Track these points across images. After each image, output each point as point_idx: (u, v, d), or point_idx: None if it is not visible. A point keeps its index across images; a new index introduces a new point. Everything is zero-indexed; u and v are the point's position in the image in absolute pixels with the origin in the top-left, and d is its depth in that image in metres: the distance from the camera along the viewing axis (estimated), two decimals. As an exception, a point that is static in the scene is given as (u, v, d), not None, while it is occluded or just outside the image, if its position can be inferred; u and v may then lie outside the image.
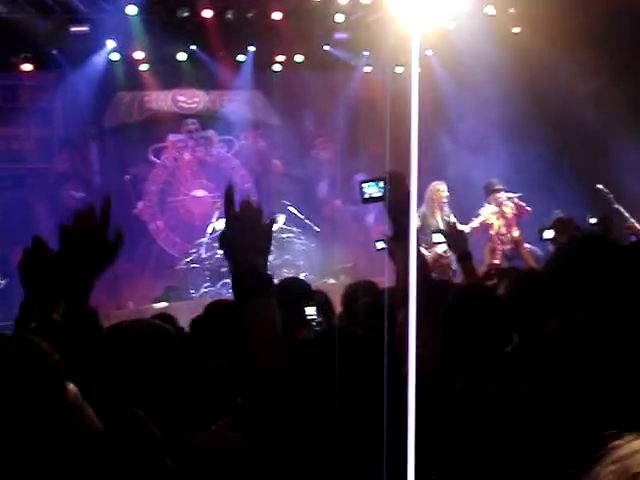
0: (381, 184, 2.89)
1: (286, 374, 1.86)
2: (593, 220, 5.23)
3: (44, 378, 1.09)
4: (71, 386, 1.15)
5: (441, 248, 8.67)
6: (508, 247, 9.13)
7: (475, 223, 9.21)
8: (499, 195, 9.32)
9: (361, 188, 2.93)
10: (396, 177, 2.85)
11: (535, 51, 11.33)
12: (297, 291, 4.09)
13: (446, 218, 9.22)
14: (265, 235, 1.96)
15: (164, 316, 4.17)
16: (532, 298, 2.87)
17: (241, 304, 1.90)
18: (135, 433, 1.20)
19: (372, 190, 2.93)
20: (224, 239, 1.97)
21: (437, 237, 4.44)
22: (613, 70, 10.69)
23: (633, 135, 10.25)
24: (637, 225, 7.77)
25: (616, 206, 8.40)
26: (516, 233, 8.98)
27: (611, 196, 8.72)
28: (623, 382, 1.77)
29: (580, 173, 10.82)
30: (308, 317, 3.80)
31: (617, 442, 0.97)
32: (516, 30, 12.69)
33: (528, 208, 9.20)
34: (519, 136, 11.69)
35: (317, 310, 3.84)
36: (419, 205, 9.30)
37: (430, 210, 9.26)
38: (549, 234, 5.40)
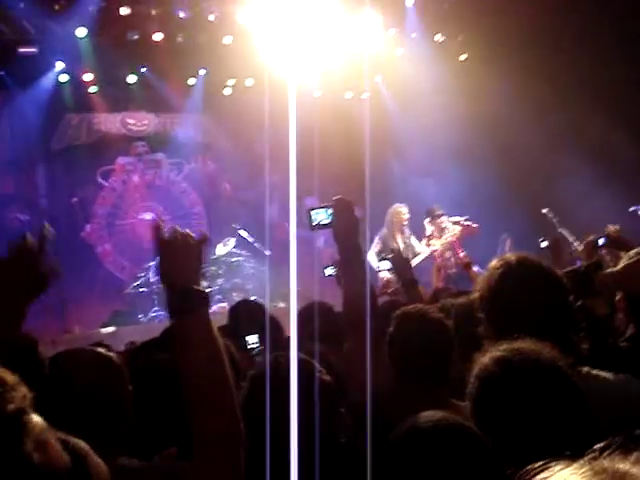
0: (329, 211, 2.93)
1: (227, 396, 1.84)
2: (544, 243, 5.30)
3: (5, 413, 1.07)
4: (36, 419, 1.13)
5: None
6: (454, 270, 9.21)
7: (427, 249, 9.26)
8: (440, 220, 9.41)
9: (309, 215, 2.97)
10: (343, 204, 2.88)
11: (481, 77, 11.54)
12: (248, 318, 4.08)
13: (407, 241, 9.26)
14: (195, 255, 1.95)
15: (101, 344, 4.11)
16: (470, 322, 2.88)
17: (174, 323, 1.90)
18: (76, 466, 1.18)
19: (320, 217, 3.02)
20: (158, 267, 1.98)
21: (384, 264, 4.45)
22: (556, 95, 10.92)
23: (576, 159, 10.49)
24: (579, 249, 7.87)
25: (560, 230, 8.54)
26: (462, 254, 9.04)
27: (556, 220, 8.86)
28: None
29: (528, 197, 11.01)
30: (250, 346, 3.80)
31: (544, 475, 0.94)
32: (463, 57, 12.94)
33: (475, 225, 9.27)
34: (466, 160, 11.86)
35: (259, 338, 3.84)
36: (380, 228, 9.35)
37: (391, 232, 9.26)
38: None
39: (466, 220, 9.36)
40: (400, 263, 4.48)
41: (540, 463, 0.95)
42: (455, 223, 9.34)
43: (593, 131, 10.43)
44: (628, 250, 4.30)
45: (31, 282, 2.15)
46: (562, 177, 10.79)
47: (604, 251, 5.16)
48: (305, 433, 1.92)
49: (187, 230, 1.97)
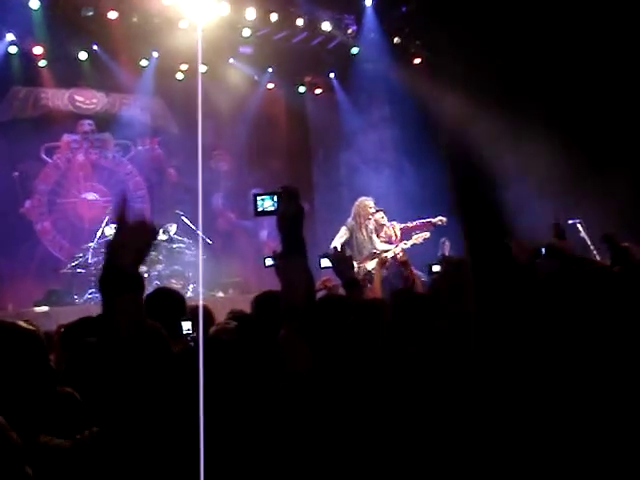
0: (275, 198, 2.93)
1: (151, 375, 1.85)
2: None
3: None
4: None
5: (370, 265, 8.82)
6: (392, 270, 9.27)
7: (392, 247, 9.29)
8: (380, 216, 9.49)
9: (255, 200, 2.96)
10: (290, 192, 2.89)
11: (432, 81, 11.72)
12: (171, 303, 4.08)
13: (371, 234, 9.28)
14: (147, 241, 1.95)
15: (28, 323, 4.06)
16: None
17: (103, 300, 1.89)
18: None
19: (267, 204, 2.97)
20: (109, 244, 1.96)
21: (324, 262, 4.36)
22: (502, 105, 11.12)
23: (519, 163, 10.70)
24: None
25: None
26: (400, 254, 9.08)
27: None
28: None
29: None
30: (184, 332, 3.81)
31: None
32: (417, 61, 13.11)
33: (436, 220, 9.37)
34: (413, 158, 12.03)
35: (192, 325, 3.86)
36: (346, 219, 9.39)
37: (357, 225, 9.27)
38: (436, 268, 5.51)
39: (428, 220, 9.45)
40: (341, 262, 4.42)
41: None
42: (426, 224, 9.41)
43: (528, 145, 10.64)
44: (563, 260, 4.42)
45: None
46: (502, 183, 10.97)
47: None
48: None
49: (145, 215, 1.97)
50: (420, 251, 9.02)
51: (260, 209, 2.96)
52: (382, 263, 8.81)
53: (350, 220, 9.28)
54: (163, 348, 2.38)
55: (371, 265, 8.90)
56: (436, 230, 9.90)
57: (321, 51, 13.33)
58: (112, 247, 1.93)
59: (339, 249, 4.22)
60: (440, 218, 9.35)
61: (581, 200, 9.37)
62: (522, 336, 2.04)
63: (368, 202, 9.43)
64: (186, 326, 3.90)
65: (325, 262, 4.35)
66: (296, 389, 2.26)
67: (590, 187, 10.26)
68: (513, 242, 5.58)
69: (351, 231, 9.20)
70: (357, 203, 9.43)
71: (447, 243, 11.04)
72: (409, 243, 9.02)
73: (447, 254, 10.57)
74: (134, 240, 1.92)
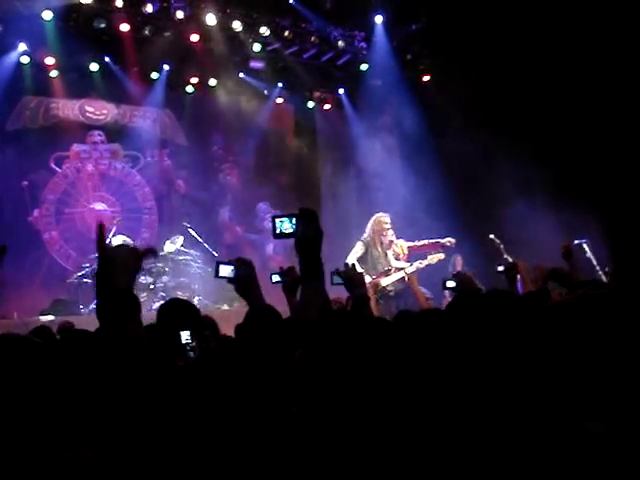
0: (293, 221, 2.93)
1: (152, 394, 1.86)
2: (500, 268, 5.37)
3: None
4: None
5: (385, 281, 8.85)
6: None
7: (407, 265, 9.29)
8: (390, 234, 9.49)
9: (274, 223, 2.97)
10: (308, 215, 2.87)
11: (439, 98, 11.81)
12: (186, 314, 4.07)
13: (386, 250, 9.28)
14: (133, 267, 1.96)
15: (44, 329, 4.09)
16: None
17: (102, 324, 1.91)
18: None
19: (285, 226, 2.98)
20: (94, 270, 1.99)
21: (336, 279, 4.25)
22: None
23: (521, 182, 10.78)
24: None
25: (506, 256, 8.70)
26: (409, 270, 9.07)
27: (502, 246, 9.04)
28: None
29: (477, 222, 11.20)
30: (184, 342, 3.82)
31: None
32: (426, 79, 13.20)
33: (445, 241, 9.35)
34: (420, 173, 12.11)
35: (191, 335, 3.85)
36: (353, 232, 9.41)
37: (373, 240, 9.27)
38: (451, 284, 5.49)
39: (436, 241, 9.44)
40: (352, 279, 4.34)
41: None
42: (435, 244, 9.38)
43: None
44: (569, 285, 4.42)
45: None
46: (504, 199, 11.05)
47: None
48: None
49: (131, 244, 1.98)
50: (430, 267, 9.03)
51: (279, 231, 2.97)
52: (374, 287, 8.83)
53: (366, 236, 9.29)
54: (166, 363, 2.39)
55: (385, 281, 8.92)
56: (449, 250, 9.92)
57: (331, 67, 13.40)
58: (99, 272, 1.94)
59: (351, 265, 4.17)
60: (449, 239, 9.30)
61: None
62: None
63: (384, 218, 9.43)
64: (185, 336, 3.91)
65: (336, 279, 4.28)
66: (310, 405, 2.26)
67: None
68: (534, 266, 5.59)
69: (367, 247, 9.21)
70: (373, 219, 9.43)
71: (459, 259, 11.07)
72: (424, 263, 9.02)
73: (460, 269, 10.59)
74: (121, 267, 1.93)
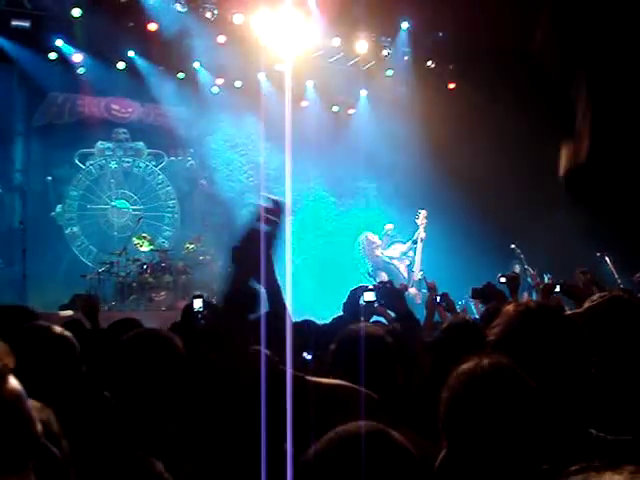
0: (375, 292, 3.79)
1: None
2: (503, 279, 5.37)
3: None
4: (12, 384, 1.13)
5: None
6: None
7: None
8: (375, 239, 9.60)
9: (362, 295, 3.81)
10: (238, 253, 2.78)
11: (466, 105, 11.78)
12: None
13: (392, 253, 9.32)
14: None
15: (75, 321, 4.12)
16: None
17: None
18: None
19: (369, 296, 3.82)
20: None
21: (369, 295, 4.01)
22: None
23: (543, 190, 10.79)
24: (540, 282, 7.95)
25: (527, 266, 8.69)
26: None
27: (522, 256, 9.02)
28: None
29: (496, 227, 11.19)
30: (196, 309, 3.94)
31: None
32: (452, 86, 13.16)
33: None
34: (442, 182, 12.07)
35: (203, 303, 4.02)
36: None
37: (367, 256, 9.35)
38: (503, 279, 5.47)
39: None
40: (391, 295, 3.81)
41: (576, 467, 0.94)
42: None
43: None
44: (579, 300, 4.39)
45: None
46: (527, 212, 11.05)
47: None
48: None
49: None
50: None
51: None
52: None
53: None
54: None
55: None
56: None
57: (356, 71, 13.39)
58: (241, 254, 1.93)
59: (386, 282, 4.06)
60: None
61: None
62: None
63: (371, 237, 9.55)
64: (197, 304, 4.02)
65: (369, 296, 4.03)
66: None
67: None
68: (510, 276, 5.58)
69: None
70: (361, 239, 9.55)
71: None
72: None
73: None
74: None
